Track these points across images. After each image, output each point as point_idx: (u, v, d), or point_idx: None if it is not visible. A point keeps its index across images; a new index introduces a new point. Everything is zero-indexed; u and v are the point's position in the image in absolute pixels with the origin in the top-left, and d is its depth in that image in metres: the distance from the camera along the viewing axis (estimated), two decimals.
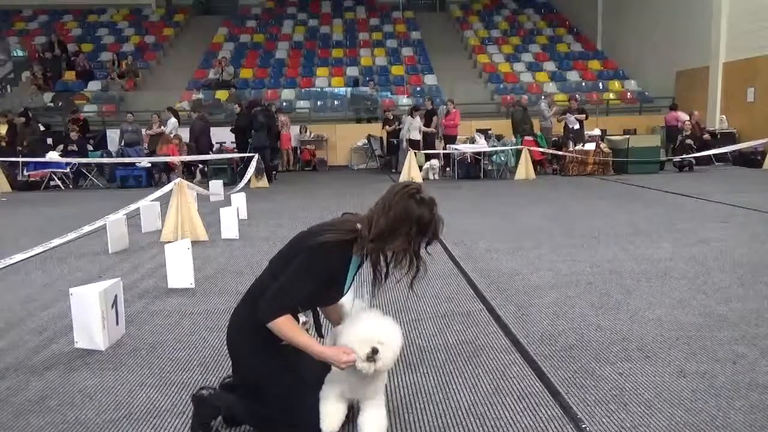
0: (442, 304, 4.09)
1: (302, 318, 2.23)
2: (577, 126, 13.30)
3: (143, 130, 14.40)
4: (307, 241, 2.23)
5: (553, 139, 13.95)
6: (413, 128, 13.88)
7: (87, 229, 4.98)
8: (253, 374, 2.32)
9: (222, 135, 14.72)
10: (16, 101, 17.13)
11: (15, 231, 7.53)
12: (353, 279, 2.33)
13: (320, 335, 2.49)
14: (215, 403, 2.38)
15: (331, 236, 2.19)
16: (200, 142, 13.52)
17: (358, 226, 2.22)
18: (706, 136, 14.40)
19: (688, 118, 14.23)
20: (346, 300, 2.44)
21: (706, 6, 15.82)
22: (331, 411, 2.23)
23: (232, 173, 12.71)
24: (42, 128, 14.31)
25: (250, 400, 2.33)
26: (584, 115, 13.50)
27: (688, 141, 13.55)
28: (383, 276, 2.27)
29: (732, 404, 2.55)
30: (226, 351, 3.28)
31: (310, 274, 2.17)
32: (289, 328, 2.16)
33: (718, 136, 15.01)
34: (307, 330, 2.33)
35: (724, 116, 15.62)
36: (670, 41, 17.60)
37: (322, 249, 2.17)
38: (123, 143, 14.21)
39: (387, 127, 15.09)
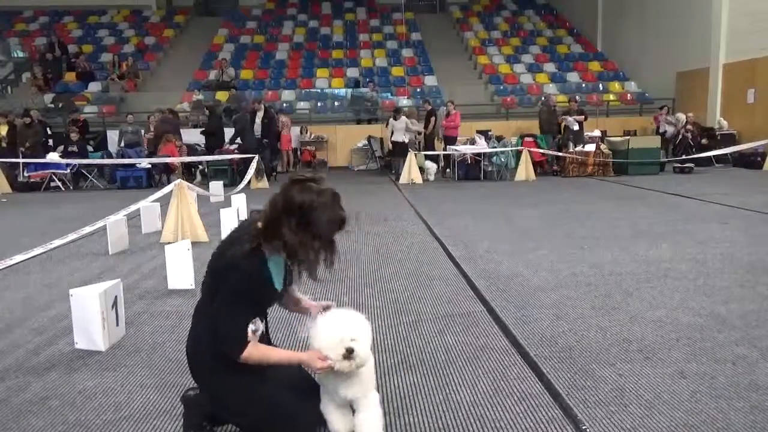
0: (442, 305, 4.09)
1: (251, 327, 2.20)
2: (576, 127, 13.31)
3: (143, 132, 14.42)
4: (220, 263, 2.18)
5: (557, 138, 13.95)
6: (397, 130, 13.84)
7: (87, 230, 4.98)
8: (224, 394, 2.26)
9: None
10: (17, 102, 17.14)
11: (15, 232, 7.53)
12: (284, 272, 2.29)
13: (269, 342, 2.43)
14: (201, 402, 2.37)
15: (237, 251, 2.11)
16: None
17: (259, 224, 2.15)
18: (704, 141, 14.43)
19: (670, 119, 14.36)
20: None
21: (706, 7, 15.83)
22: (335, 419, 2.25)
23: (232, 174, 12.72)
24: (50, 131, 14.29)
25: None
26: (583, 117, 13.51)
27: (688, 134, 13.61)
28: (296, 273, 2.20)
29: (732, 405, 2.54)
30: None
31: (239, 298, 2.12)
32: (259, 354, 2.16)
33: (718, 137, 15.02)
34: (257, 333, 2.28)
35: (722, 118, 15.62)
36: (670, 42, 17.61)
37: (236, 269, 2.11)
38: (123, 144, 14.23)
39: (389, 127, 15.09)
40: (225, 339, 2.14)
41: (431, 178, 13.32)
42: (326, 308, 2.42)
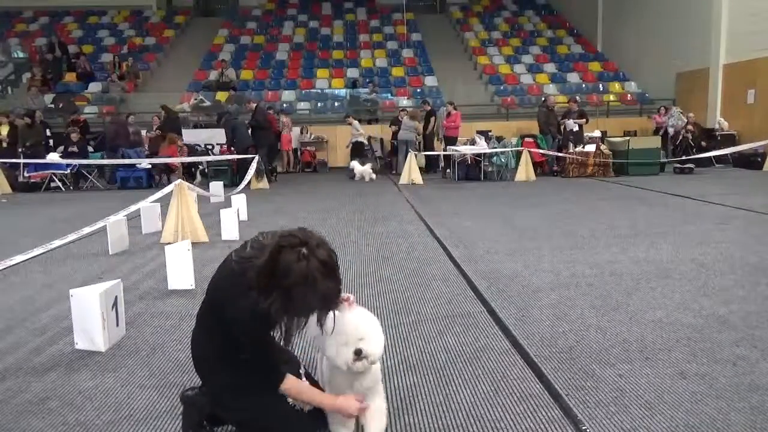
0: (442, 305, 4.09)
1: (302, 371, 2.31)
2: (576, 128, 13.34)
3: (143, 132, 14.43)
4: (226, 307, 2.11)
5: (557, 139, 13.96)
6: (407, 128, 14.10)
7: (87, 230, 4.98)
8: (227, 394, 2.29)
9: (222, 136, 14.75)
10: (17, 102, 17.15)
11: (15, 232, 7.53)
12: None
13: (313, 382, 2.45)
14: (200, 402, 2.37)
15: (243, 303, 2.01)
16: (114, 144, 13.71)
17: (251, 275, 2.03)
18: (703, 143, 14.43)
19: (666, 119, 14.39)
20: None
21: (706, 8, 15.83)
22: (338, 419, 2.27)
23: (232, 174, 12.73)
24: (49, 134, 14.31)
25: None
26: (584, 120, 13.54)
27: (688, 134, 13.62)
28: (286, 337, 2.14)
29: (732, 406, 2.54)
30: None
31: (261, 343, 2.14)
32: (297, 392, 2.22)
33: (719, 138, 15.02)
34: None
35: (722, 119, 15.63)
36: (670, 43, 17.62)
37: (249, 319, 2.04)
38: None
39: (394, 126, 15.13)
40: (264, 378, 2.19)
41: (368, 178, 13.42)
42: (345, 300, 2.40)
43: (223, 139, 14.60)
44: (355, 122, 15.64)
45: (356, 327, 2.19)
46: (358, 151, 15.41)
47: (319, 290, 1.94)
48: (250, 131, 12.95)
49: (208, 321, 2.29)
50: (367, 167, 13.76)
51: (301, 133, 16.62)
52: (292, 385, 2.20)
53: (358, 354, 2.13)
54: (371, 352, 2.17)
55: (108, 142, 13.89)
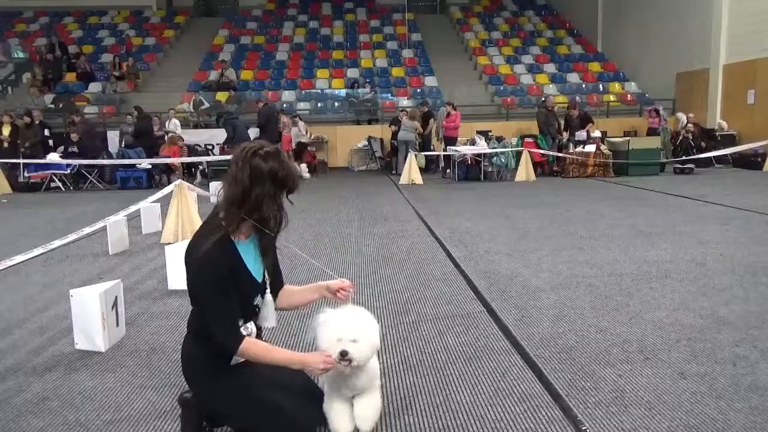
0: (442, 306, 4.09)
1: (244, 332, 2.21)
2: (584, 137, 13.40)
3: None
4: (191, 262, 2.17)
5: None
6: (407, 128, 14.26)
7: (87, 230, 4.99)
8: (218, 399, 2.27)
9: (222, 136, 14.77)
10: (17, 103, 17.15)
11: (15, 232, 7.53)
12: (260, 260, 2.29)
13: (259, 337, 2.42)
14: (198, 403, 2.37)
15: (203, 244, 2.12)
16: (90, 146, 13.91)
17: (221, 214, 2.17)
18: (703, 144, 14.43)
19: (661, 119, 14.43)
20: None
21: (706, 8, 15.83)
22: (337, 417, 2.27)
23: None
24: (47, 133, 14.32)
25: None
26: (591, 123, 13.61)
27: (689, 135, 13.64)
28: (270, 241, 2.26)
29: (732, 406, 2.54)
30: None
31: (219, 291, 2.11)
32: (257, 350, 2.17)
33: (719, 138, 15.02)
34: (250, 336, 2.29)
35: (722, 119, 15.63)
36: (670, 43, 17.61)
37: (205, 261, 2.10)
38: (123, 144, 14.24)
39: (393, 126, 15.13)
40: (218, 336, 2.13)
41: (306, 176, 13.64)
42: (344, 287, 2.43)
43: (223, 139, 14.64)
44: (301, 123, 15.39)
45: (352, 327, 2.19)
46: (300, 153, 15.21)
47: (293, 167, 2.22)
48: (258, 131, 13.02)
49: (189, 291, 2.27)
50: (303, 166, 13.94)
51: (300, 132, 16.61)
52: (248, 347, 2.14)
53: (343, 356, 2.14)
54: (357, 357, 2.16)
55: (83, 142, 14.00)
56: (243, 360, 2.23)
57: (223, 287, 2.12)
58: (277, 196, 2.17)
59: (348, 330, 2.17)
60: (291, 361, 2.21)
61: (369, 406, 2.30)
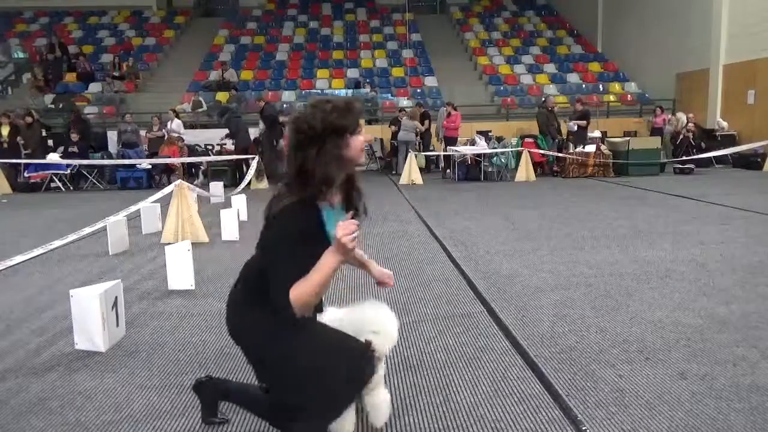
0: (442, 306, 4.09)
1: None
2: (575, 128, 13.37)
3: (143, 132, 14.43)
4: (269, 213, 2.04)
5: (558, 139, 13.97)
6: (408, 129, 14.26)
7: (87, 230, 4.99)
8: (265, 355, 2.10)
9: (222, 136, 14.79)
10: (18, 103, 17.15)
11: (15, 232, 7.53)
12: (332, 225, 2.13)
13: (319, 311, 2.32)
14: (215, 383, 2.35)
15: (286, 200, 1.98)
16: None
17: (288, 182, 2.03)
18: (703, 144, 14.43)
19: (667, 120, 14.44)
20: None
21: (706, 8, 15.83)
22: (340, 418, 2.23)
23: (232, 175, 12.73)
24: (44, 133, 14.33)
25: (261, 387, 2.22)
26: (584, 122, 13.56)
27: (689, 134, 13.65)
28: (357, 202, 2.12)
29: (732, 406, 2.54)
30: (227, 352, 3.31)
31: (286, 245, 1.96)
32: (304, 288, 1.94)
33: (719, 138, 15.02)
34: None
35: (722, 119, 15.62)
36: (670, 43, 17.62)
37: (284, 214, 1.97)
38: (121, 144, 14.25)
39: (393, 126, 15.13)
40: (272, 291, 1.97)
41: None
42: (381, 283, 2.39)
43: (221, 141, 14.65)
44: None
45: (373, 319, 2.19)
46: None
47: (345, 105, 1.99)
48: (260, 130, 13.05)
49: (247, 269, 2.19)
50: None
51: None
52: (296, 293, 1.93)
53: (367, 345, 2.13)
54: (379, 349, 2.16)
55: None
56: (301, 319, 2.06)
57: (293, 244, 1.96)
58: (334, 153, 1.97)
59: (369, 321, 2.17)
60: (331, 265, 1.96)
61: (381, 400, 2.30)
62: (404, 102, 18.27)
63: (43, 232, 7.08)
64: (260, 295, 2.05)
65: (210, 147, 15.33)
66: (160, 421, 2.56)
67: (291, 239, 1.96)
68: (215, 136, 15.29)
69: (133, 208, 5.95)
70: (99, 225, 5.22)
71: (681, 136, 14.63)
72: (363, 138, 2.05)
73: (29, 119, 13.81)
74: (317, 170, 1.96)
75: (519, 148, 12.89)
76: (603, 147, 13.24)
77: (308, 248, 1.97)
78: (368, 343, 2.12)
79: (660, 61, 18.11)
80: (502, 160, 12.98)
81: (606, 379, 2.84)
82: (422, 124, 14.72)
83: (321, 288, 1.96)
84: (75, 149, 13.65)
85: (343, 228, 1.89)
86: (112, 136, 15.26)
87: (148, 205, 6.71)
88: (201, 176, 13.51)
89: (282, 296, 1.93)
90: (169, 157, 13.03)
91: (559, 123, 13.84)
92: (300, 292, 1.93)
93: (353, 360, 2.14)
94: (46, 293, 4.65)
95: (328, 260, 1.95)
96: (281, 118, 15.32)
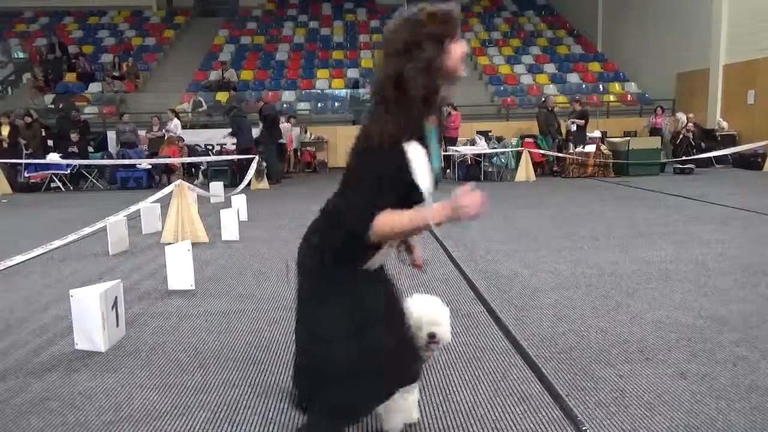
0: None
1: None
2: (573, 128, 13.37)
3: (143, 132, 14.43)
4: (361, 133, 1.85)
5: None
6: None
7: (87, 230, 4.98)
8: (321, 312, 1.89)
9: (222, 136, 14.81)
10: (18, 103, 17.15)
11: (15, 233, 7.53)
12: (438, 154, 2.01)
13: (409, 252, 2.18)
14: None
15: (391, 126, 1.77)
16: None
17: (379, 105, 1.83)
18: (703, 145, 14.43)
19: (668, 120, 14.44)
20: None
21: (706, 8, 15.83)
22: (393, 408, 2.22)
23: (232, 175, 12.73)
24: (44, 133, 14.33)
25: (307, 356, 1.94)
26: (583, 121, 13.56)
27: (689, 134, 13.65)
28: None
29: (732, 406, 2.54)
30: (227, 352, 3.31)
31: (382, 172, 1.77)
32: (392, 220, 1.76)
33: (719, 138, 15.02)
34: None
35: (722, 119, 15.62)
36: (670, 43, 17.62)
37: (385, 141, 1.77)
38: (120, 144, 14.25)
39: None
40: (354, 213, 1.79)
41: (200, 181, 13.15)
42: (416, 265, 2.26)
43: (222, 139, 14.69)
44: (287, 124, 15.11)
45: (430, 313, 2.19)
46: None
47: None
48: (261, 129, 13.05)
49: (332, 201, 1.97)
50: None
51: (301, 133, 16.63)
52: (381, 219, 1.76)
53: (432, 337, 2.13)
54: (444, 337, 2.17)
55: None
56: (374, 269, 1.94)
57: (387, 174, 1.78)
58: (433, 62, 1.80)
59: (427, 317, 2.18)
60: (429, 217, 1.81)
61: (415, 393, 2.33)
62: None
63: (43, 232, 7.08)
64: (337, 227, 1.87)
65: (210, 147, 15.34)
66: (160, 421, 2.56)
67: (387, 167, 1.77)
68: (215, 136, 15.31)
69: (133, 208, 5.95)
70: (99, 225, 5.21)
71: (681, 136, 14.64)
72: (463, 47, 1.85)
73: (28, 119, 13.82)
74: (415, 84, 1.77)
75: (519, 148, 12.89)
76: (603, 147, 13.24)
77: (400, 183, 1.80)
78: (432, 335, 2.09)
79: (660, 61, 18.11)
80: (502, 160, 12.98)
81: (606, 379, 2.84)
82: None
83: (406, 230, 1.83)
84: (75, 149, 13.66)
85: (471, 197, 1.77)
86: (112, 136, 15.27)
87: (148, 205, 6.71)
88: (201, 176, 13.51)
89: (364, 219, 1.76)
90: (169, 157, 13.03)
91: (559, 123, 13.85)
92: (388, 220, 1.77)
93: (403, 350, 1.96)
94: (46, 293, 4.64)
95: (429, 212, 1.80)
96: (281, 119, 15.37)
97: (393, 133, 1.76)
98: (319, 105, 18.77)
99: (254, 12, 24.75)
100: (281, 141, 13.92)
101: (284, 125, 14.79)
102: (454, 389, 2.80)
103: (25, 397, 2.83)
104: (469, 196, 1.76)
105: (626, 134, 15.66)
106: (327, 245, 1.90)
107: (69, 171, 13.20)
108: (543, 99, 15.48)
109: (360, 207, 1.79)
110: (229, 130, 13.62)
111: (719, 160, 14.31)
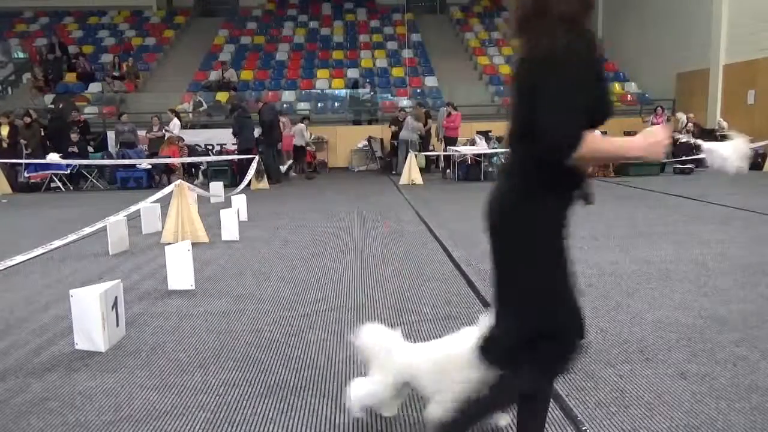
0: (442, 306, 4.09)
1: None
2: None
3: (143, 132, 14.43)
4: (538, 64, 1.74)
5: None
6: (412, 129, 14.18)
7: (87, 230, 4.98)
8: (519, 261, 1.90)
9: (222, 136, 14.80)
10: (18, 103, 17.16)
11: (15, 233, 7.53)
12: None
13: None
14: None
15: (563, 37, 1.69)
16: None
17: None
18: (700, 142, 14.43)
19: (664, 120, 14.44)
20: None
21: (706, 8, 15.83)
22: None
23: (232, 175, 12.74)
24: (43, 133, 14.33)
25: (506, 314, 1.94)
26: None
27: (685, 139, 13.64)
28: None
29: (732, 406, 2.54)
30: (228, 352, 3.31)
31: (573, 85, 1.69)
32: (599, 138, 1.73)
33: (719, 138, 15.01)
34: None
35: (722, 119, 15.62)
36: (670, 43, 17.63)
37: (565, 47, 1.67)
38: (119, 144, 14.25)
39: (393, 126, 15.14)
40: (553, 131, 1.69)
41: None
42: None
43: (223, 139, 14.69)
44: (290, 124, 15.28)
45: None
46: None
47: None
48: (261, 130, 13.06)
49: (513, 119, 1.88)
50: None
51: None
52: (591, 140, 1.71)
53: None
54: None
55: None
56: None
57: (581, 77, 1.71)
58: None
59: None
60: (633, 150, 1.85)
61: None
62: (404, 102, 18.28)
63: (43, 232, 7.08)
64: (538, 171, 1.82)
65: (210, 147, 15.34)
66: (160, 422, 2.56)
67: (578, 57, 1.70)
68: (215, 136, 15.31)
69: (133, 208, 5.94)
70: (99, 225, 5.21)
71: (678, 143, 14.63)
72: None
73: (28, 119, 13.82)
74: (561, 6, 1.71)
75: None
76: None
77: (591, 75, 1.78)
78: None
79: (660, 61, 18.11)
80: (503, 160, 12.98)
81: (606, 379, 2.84)
82: (425, 123, 14.74)
83: (611, 155, 1.86)
84: (75, 149, 13.66)
85: (664, 132, 1.76)
86: (112, 136, 15.27)
87: (148, 205, 6.70)
88: (201, 176, 13.52)
89: (569, 134, 1.69)
90: (169, 157, 13.03)
91: None
92: (597, 139, 1.75)
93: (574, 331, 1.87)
94: (46, 293, 4.65)
95: (633, 144, 1.82)
96: (282, 119, 15.37)
97: (562, 36, 1.69)
98: (319, 105, 18.78)
99: (254, 12, 24.75)
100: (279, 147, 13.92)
101: (299, 126, 14.80)
102: None
103: (25, 397, 2.83)
104: (663, 129, 1.76)
105: (626, 134, 15.64)
106: (530, 179, 1.86)
107: (69, 171, 13.21)
108: None
109: (563, 121, 1.69)
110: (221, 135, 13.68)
111: None
